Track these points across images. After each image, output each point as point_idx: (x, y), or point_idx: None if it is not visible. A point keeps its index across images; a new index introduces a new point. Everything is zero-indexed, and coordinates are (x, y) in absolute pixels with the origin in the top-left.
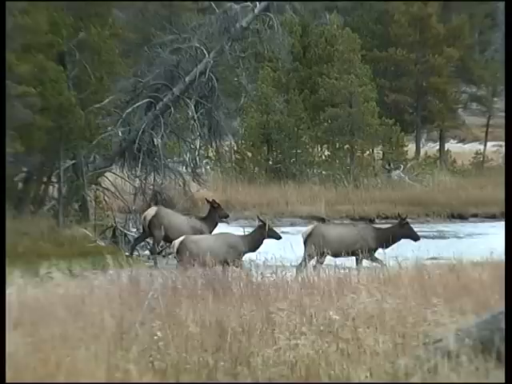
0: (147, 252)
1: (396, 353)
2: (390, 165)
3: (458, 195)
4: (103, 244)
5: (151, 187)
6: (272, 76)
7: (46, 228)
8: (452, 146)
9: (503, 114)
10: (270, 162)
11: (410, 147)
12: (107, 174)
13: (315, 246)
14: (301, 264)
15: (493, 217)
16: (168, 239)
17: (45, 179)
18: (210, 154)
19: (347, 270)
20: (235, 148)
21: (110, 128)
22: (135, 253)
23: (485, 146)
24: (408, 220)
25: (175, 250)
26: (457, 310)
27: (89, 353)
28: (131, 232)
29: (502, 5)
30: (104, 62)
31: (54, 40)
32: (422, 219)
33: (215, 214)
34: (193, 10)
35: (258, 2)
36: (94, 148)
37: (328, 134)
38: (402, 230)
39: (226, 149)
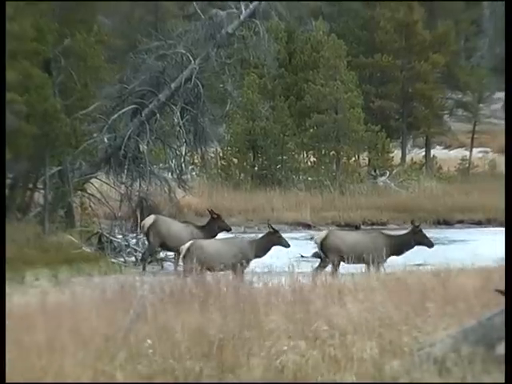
0: (133, 258)
1: (383, 359)
2: (375, 171)
3: (443, 201)
4: (89, 250)
5: (137, 193)
6: (258, 82)
7: (32, 235)
8: (438, 152)
9: (489, 120)
10: (256, 169)
11: (396, 153)
12: (93, 181)
13: (332, 252)
14: (316, 269)
15: (479, 223)
16: (166, 247)
17: (30, 186)
18: (196, 161)
19: (336, 276)
20: (221, 154)
21: (95, 134)
22: (120, 259)
23: (470, 152)
24: (394, 226)
25: (182, 254)
26: (444, 316)
27: (75, 359)
28: (117, 238)
29: (487, 11)
30: (89, 68)
31: (40, 47)
32: (408, 226)
33: (215, 224)
34: (178, 17)
35: (243, 9)
36: (80, 154)
37: (314, 141)
38: (415, 237)
39: (212, 155)
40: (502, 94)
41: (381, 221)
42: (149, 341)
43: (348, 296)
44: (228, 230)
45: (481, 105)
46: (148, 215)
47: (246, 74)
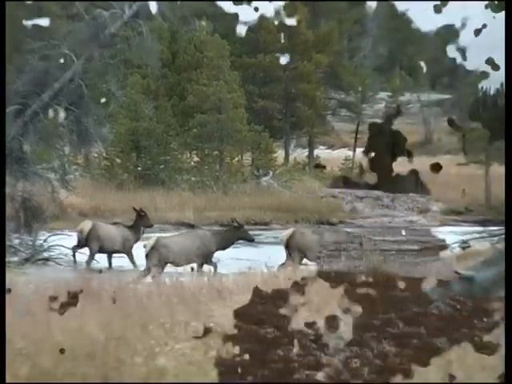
0: (15, 258)
1: None
2: (258, 171)
3: (326, 202)
4: None
5: (20, 194)
6: (141, 82)
7: None
8: (321, 152)
9: (372, 120)
10: (139, 169)
11: (279, 153)
12: None
13: (298, 250)
14: (282, 265)
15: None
16: (102, 250)
17: None
18: (79, 161)
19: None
20: (104, 154)
21: None
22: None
23: (354, 152)
24: (277, 226)
25: (146, 252)
26: None
27: None
28: None
29: (371, 11)
30: None
31: None
32: (291, 225)
33: (141, 222)
34: (62, 17)
35: (127, 9)
36: None
37: (197, 141)
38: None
39: (95, 155)
40: (384, 94)
41: (264, 221)
42: (29, 341)
43: (230, 296)
44: (150, 226)
45: (364, 105)
46: (32, 215)
47: (130, 74)
